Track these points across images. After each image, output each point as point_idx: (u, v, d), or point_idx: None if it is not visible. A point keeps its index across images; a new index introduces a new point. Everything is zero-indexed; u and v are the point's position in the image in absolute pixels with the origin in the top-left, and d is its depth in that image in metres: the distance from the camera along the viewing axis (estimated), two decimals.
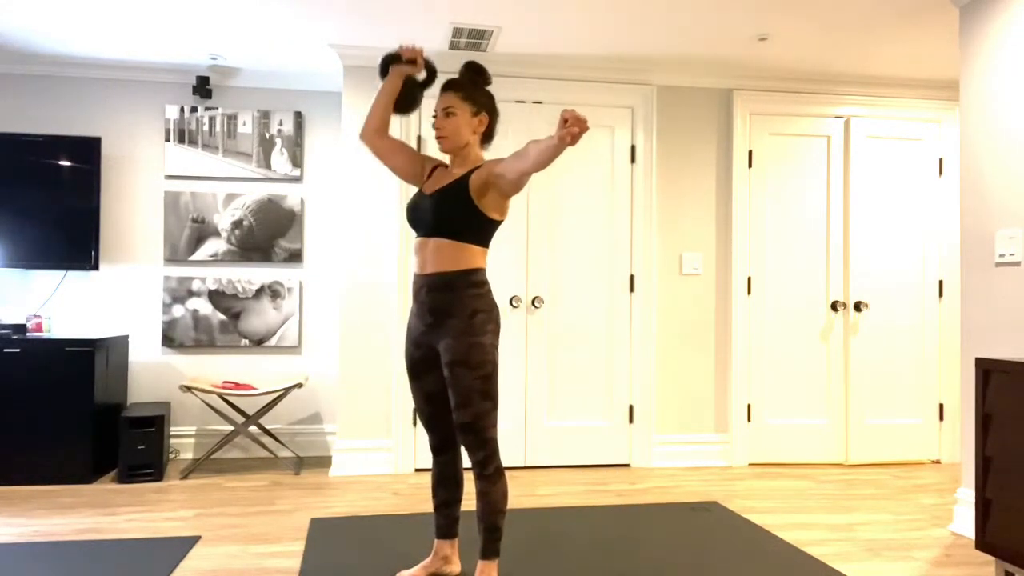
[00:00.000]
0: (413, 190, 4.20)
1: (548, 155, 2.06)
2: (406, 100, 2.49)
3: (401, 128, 4.18)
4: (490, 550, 2.33)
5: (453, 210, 2.29)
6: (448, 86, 2.38)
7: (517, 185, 2.24)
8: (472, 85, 2.39)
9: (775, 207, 4.51)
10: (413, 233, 4.19)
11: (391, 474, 4.13)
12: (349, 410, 4.14)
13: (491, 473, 2.30)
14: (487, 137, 2.44)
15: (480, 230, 2.33)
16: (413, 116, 4.20)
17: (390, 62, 2.43)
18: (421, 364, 2.41)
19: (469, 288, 2.31)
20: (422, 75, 2.51)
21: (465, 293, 2.30)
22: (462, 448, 2.52)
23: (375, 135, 2.46)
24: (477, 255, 2.34)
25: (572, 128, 1.95)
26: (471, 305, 2.30)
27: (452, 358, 2.27)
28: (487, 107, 2.41)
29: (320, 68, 4.42)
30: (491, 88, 4.24)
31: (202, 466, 4.31)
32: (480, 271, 2.35)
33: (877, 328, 4.54)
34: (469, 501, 3.58)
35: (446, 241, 2.31)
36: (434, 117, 2.40)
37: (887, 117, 4.59)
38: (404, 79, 2.45)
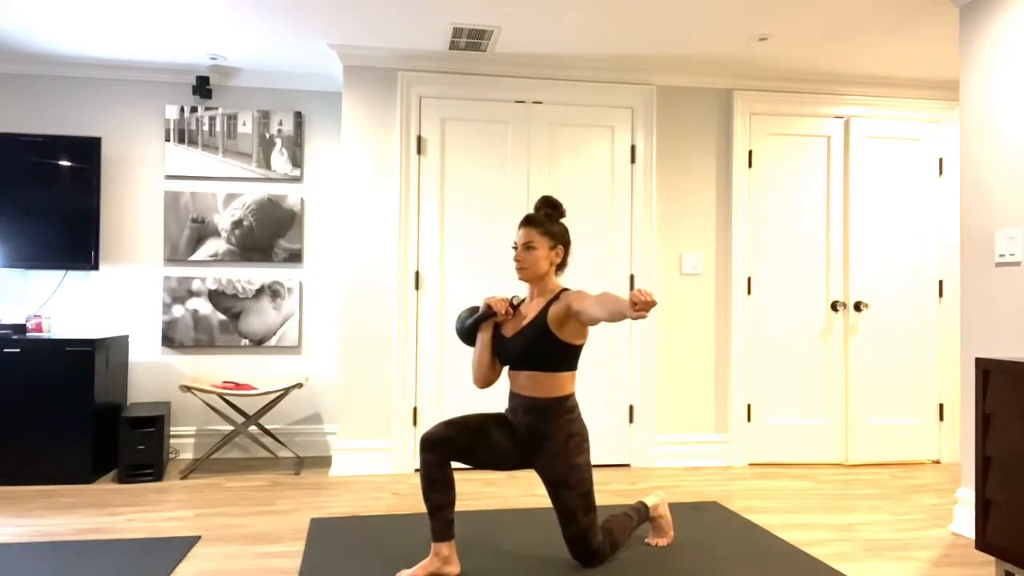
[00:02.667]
0: (413, 183, 4.20)
1: (616, 319, 2.26)
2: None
3: (401, 130, 4.19)
4: (646, 516, 2.87)
5: (539, 348, 2.52)
6: (528, 222, 2.61)
7: (592, 323, 2.42)
8: (549, 220, 2.63)
9: (775, 207, 4.51)
10: (414, 231, 4.20)
11: (391, 474, 4.13)
12: (349, 410, 4.14)
13: (610, 551, 2.65)
14: (561, 266, 2.67)
15: (567, 356, 2.55)
16: (413, 118, 4.21)
17: (482, 320, 2.63)
18: (507, 427, 2.61)
19: (564, 414, 2.55)
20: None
21: (561, 419, 2.54)
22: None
23: (488, 383, 2.69)
24: (568, 381, 2.57)
25: (643, 313, 2.11)
26: (566, 430, 2.54)
27: (553, 480, 2.53)
28: (563, 240, 2.64)
29: (320, 68, 4.42)
30: (487, 85, 4.25)
31: (202, 466, 4.31)
32: (571, 396, 2.59)
33: (877, 328, 4.54)
34: (467, 502, 3.58)
35: (539, 373, 2.55)
36: (514, 249, 2.63)
37: (887, 117, 4.59)
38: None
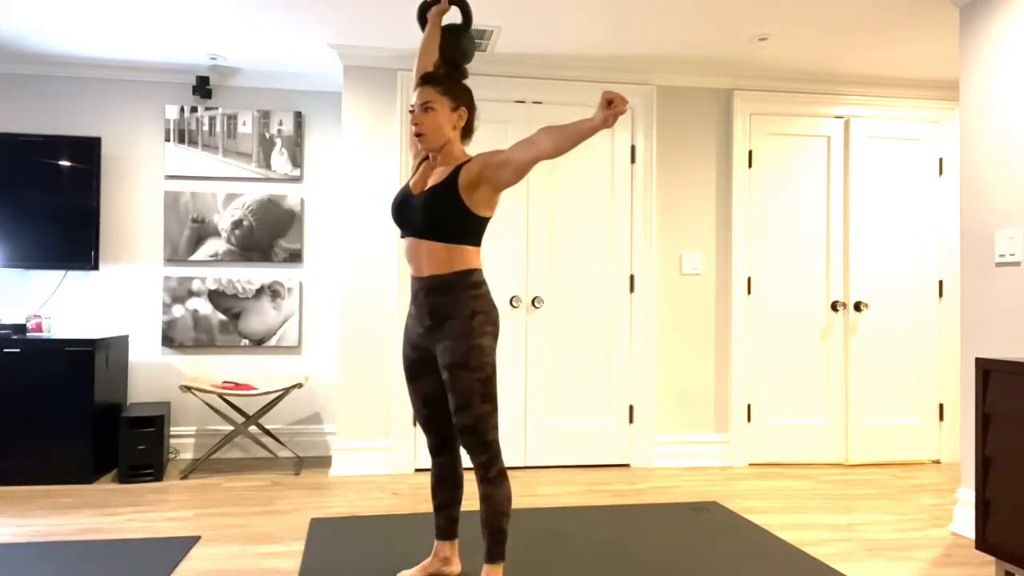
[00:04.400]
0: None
1: (579, 138, 2.04)
2: (454, 47, 2.50)
3: (401, 130, 4.19)
4: (495, 553, 2.29)
5: (443, 212, 2.23)
6: (424, 80, 2.31)
7: (520, 174, 2.18)
8: (449, 78, 2.33)
9: (775, 207, 4.51)
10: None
11: (391, 474, 4.13)
12: (349, 410, 4.14)
13: (494, 476, 2.27)
14: (467, 132, 2.37)
15: (472, 230, 2.28)
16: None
17: (425, 8, 2.52)
18: (418, 366, 2.39)
19: (468, 289, 2.27)
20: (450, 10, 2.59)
21: (465, 295, 2.26)
22: (462, 450, 2.49)
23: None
24: (472, 255, 2.30)
25: (620, 107, 1.94)
26: (470, 306, 2.26)
27: (451, 360, 2.23)
28: (466, 101, 2.34)
29: (320, 68, 4.42)
30: (487, 86, 4.24)
31: (202, 466, 4.31)
32: (477, 271, 2.30)
33: (877, 328, 4.53)
34: (470, 502, 3.58)
35: (440, 244, 2.26)
36: (411, 112, 2.31)
37: (887, 117, 4.59)
38: (443, 26, 2.52)
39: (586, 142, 4.36)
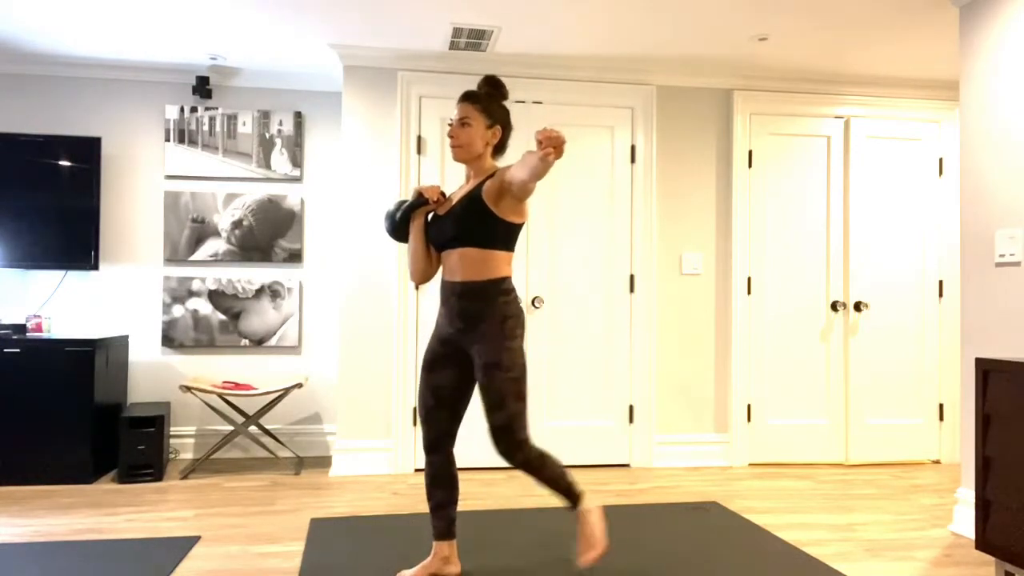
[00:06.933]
0: (413, 183, 4.19)
1: (539, 171, 2.11)
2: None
3: (401, 130, 4.19)
4: (574, 500, 2.41)
5: (473, 219, 2.36)
6: (465, 97, 2.46)
7: (524, 192, 2.29)
8: (488, 98, 2.47)
9: (775, 207, 4.51)
10: None
11: (391, 474, 4.13)
12: (349, 410, 4.14)
13: (535, 462, 2.36)
14: (499, 149, 2.51)
15: (503, 234, 2.40)
16: (413, 118, 4.21)
17: (414, 208, 2.50)
18: (441, 359, 2.47)
19: (499, 296, 2.38)
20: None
21: (496, 301, 2.38)
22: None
23: (427, 277, 2.54)
24: (503, 262, 2.42)
25: (547, 150, 2.01)
26: (502, 311, 2.37)
27: (487, 360, 2.34)
28: (501, 120, 2.49)
29: (320, 68, 4.42)
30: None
31: (202, 466, 4.31)
32: (507, 279, 2.42)
33: (877, 328, 4.54)
34: (467, 502, 3.58)
35: (472, 249, 2.38)
36: (449, 125, 2.46)
37: (887, 117, 4.59)
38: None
39: (586, 142, 4.38)
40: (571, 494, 2.40)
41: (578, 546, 2.43)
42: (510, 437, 2.32)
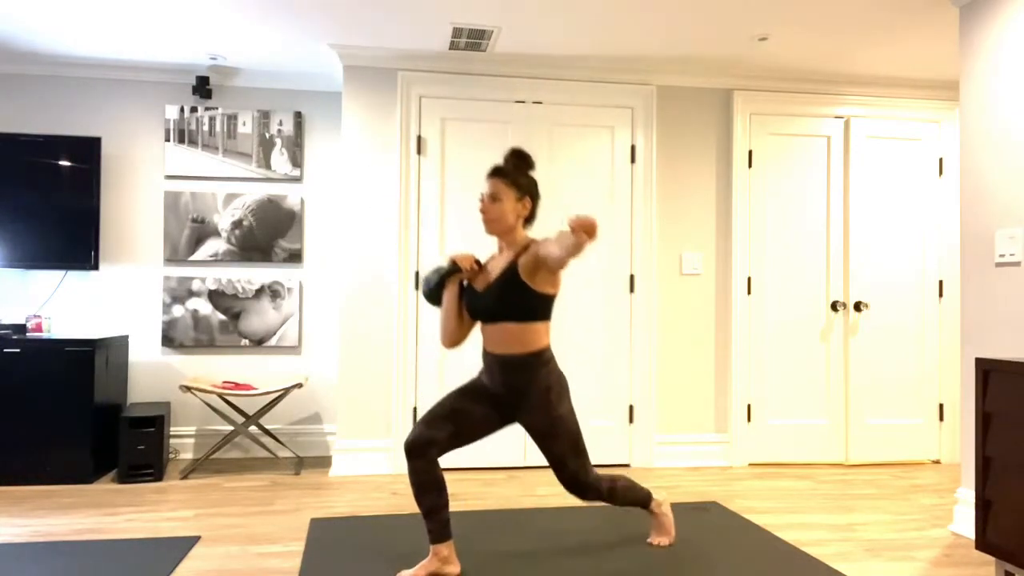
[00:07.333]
0: (413, 183, 4.20)
1: (573, 251, 2.17)
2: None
3: (401, 130, 4.19)
4: (646, 504, 2.80)
5: (512, 295, 2.46)
6: (494, 172, 2.55)
7: (559, 266, 2.33)
8: (516, 171, 2.56)
9: (775, 207, 4.51)
10: (414, 231, 4.20)
11: (391, 474, 4.13)
12: (349, 410, 4.14)
13: (605, 496, 2.62)
14: (530, 219, 2.61)
15: (541, 307, 2.49)
16: (413, 118, 4.21)
17: (448, 275, 2.56)
18: (482, 397, 2.58)
19: (540, 367, 2.50)
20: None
21: (538, 372, 2.49)
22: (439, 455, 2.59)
23: (458, 341, 2.63)
24: (542, 333, 2.52)
25: (580, 235, 2.08)
26: (544, 382, 2.49)
27: (540, 431, 2.51)
28: (530, 191, 2.58)
29: (320, 68, 4.42)
30: (487, 86, 4.25)
31: (202, 466, 4.31)
32: (547, 349, 2.53)
33: (877, 328, 4.54)
34: (467, 502, 3.58)
35: (512, 324, 2.48)
36: (480, 201, 2.55)
37: (887, 117, 4.59)
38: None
39: (586, 142, 4.37)
40: (644, 501, 2.75)
41: (652, 532, 2.92)
42: (577, 485, 2.56)
